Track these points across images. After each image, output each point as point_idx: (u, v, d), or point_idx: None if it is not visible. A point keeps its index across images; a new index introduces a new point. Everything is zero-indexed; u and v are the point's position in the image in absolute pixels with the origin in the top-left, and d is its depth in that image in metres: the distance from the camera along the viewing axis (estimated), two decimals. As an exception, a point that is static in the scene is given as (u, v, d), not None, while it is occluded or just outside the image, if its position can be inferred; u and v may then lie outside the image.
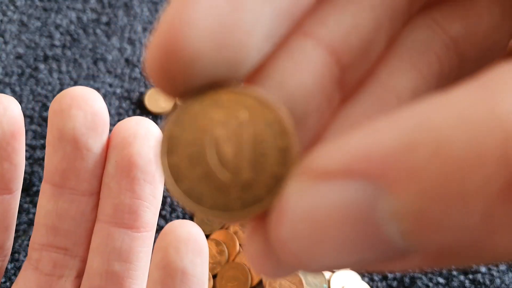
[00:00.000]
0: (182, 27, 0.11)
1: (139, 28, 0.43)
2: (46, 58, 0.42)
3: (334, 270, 0.30)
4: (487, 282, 0.32)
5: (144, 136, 0.23)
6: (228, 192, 0.12)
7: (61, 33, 0.43)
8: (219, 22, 0.11)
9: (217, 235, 0.33)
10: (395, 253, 0.10)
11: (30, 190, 0.35)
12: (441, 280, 0.32)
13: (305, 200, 0.10)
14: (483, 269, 0.32)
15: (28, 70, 0.41)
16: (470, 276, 0.32)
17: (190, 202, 0.13)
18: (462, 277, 0.32)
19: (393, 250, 0.10)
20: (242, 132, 0.13)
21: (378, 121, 0.10)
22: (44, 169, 0.23)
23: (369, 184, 0.10)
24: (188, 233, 0.21)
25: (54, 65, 0.41)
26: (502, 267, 0.32)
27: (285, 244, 0.11)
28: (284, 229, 0.11)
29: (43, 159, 0.36)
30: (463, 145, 0.08)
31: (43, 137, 0.38)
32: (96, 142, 0.23)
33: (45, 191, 0.24)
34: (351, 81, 0.15)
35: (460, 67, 0.15)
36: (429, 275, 0.32)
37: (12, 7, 0.44)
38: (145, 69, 0.12)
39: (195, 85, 0.12)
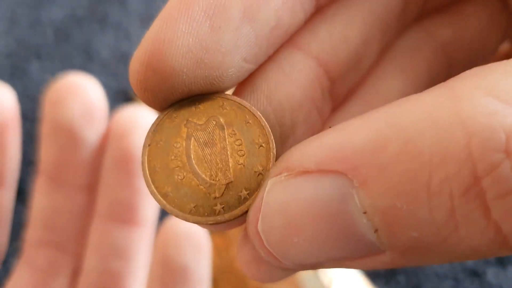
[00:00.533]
0: (163, 44, 0.12)
1: (134, 23, 0.43)
2: (38, 55, 0.41)
3: (321, 270, 0.30)
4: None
5: (143, 127, 0.23)
6: (209, 196, 0.13)
7: (54, 29, 0.43)
8: (198, 41, 0.12)
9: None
10: (368, 249, 0.10)
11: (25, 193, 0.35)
12: None
13: (280, 195, 0.11)
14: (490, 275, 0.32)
15: (20, 67, 0.41)
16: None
17: (173, 209, 0.13)
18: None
19: (366, 246, 0.10)
20: (220, 135, 0.13)
21: (351, 120, 0.10)
22: (39, 162, 0.23)
23: (342, 180, 0.10)
24: (189, 229, 0.21)
25: (47, 62, 0.41)
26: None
27: (260, 236, 0.11)
28: (260, 221, 0.11)
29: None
30: (429, 144, 0.09)
31: (35, 135, 0.37)
32: (92, 133, 0.22)
33: (40, 185, 0.23)
34: (342, 90, 0.15)
35: (449, 71, 0.16)
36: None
37: (2, 3, 0.44)
38: (130, 79, 0.13)
39: (175, 98, 0.13)
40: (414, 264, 0.11)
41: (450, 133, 0.09)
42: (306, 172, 0.10)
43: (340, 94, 0.15)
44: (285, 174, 0.11)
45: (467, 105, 0.09)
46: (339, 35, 0.14)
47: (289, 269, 0.13)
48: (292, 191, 0.11)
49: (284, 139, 0.14)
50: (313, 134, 0.14)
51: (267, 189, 0.11)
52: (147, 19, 0.43)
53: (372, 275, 0.32)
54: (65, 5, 0.44)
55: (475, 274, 0.32)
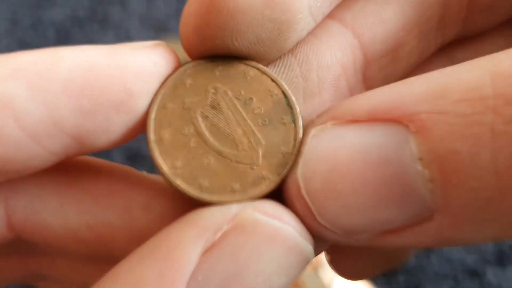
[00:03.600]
0: None
1: (135, 24, 0.43)
2: None
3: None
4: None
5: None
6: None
7: (55, 30, 0.43)
8: None
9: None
10: (417, 210, 0.10)
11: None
12: None
13: (326, 141, 0.10)
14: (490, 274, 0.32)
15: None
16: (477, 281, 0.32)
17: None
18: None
19: (416, 205, 0.10)
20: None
21: (407, 79, 0.10)
22: None
23: (396, 127, 0.09)
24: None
25: None
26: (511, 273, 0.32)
27: (300, 185, 0.10)
28: (300, 169, 0.10)
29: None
30: (491, 89, 0.09)
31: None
32: None
33: None
34: (376, 77, 0.14)
35: None
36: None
37: (3, 4, 0.44)
38: (182, 24, 0.11)
39: (236, 46, 0.11)
40: (461, 238, 0.10)
41: (511, 78, 0.09)
42: (355, 121, 0.10)
43: (373, 80, 0.14)
44: (332, 122, 0.10)
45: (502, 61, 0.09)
46: (373, 12, 0.14)
47: (321, 236, 0.11)
48: (340, 139, 0.10)
49: (309, 96, 0.13)
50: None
51: (311, 135, 0.10)
52: (147, 19, 0.43)
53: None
54: (67, 5, 0.44)
55: (474, 274, 0.32)
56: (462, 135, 0.09)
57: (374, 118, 0.10)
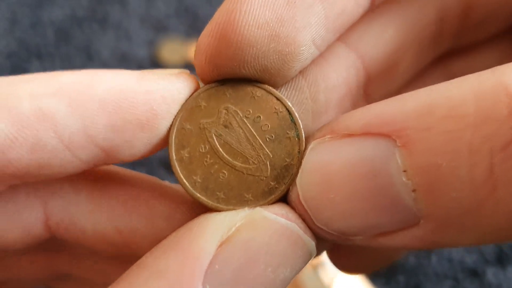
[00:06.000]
0: (240, 14, 0.12)
1: (135, 24, 0.43)
2: (39, 55, 0.41)
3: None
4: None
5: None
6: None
7: (54, 30, 0.43)
8: (275, 14, 0.12)
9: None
10: (403, 217, 0.11)
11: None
12: None
13: (323, 154, 0.11)
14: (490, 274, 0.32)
15: (20, 67, 0.40)
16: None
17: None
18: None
19: (402, 212, 0.10)
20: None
21: (400, 95, 0.11)
22: None
23: (385, 141, 0.10)
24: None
25: (47, 62, 0.41)
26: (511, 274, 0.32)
27: (299, 192, 0.12)
28: (299, 179, 0.12)
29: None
30: (473, 107, 0.09)
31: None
32: None
33: None
34: (376, 92, 0.16)
35: None
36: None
37: (3, 3, 0.44)
38: (196, 54, 0.13)
39: (243, 73, 0.13)
40: (447, 242, 0.11)
41: (493, 97, 0.09)
42: (350, 135, 0.11)
43: (374, 94, 0.15)
44: (329, 136, 0.11)
45: (509, 77, 0.10)
46: (376, 34, 0.15)
47: (320, 236, 0.13)
48: (334, 151, 0.11)
49: (317, 115, 0.14)
50: None
51: (310, 147, 0.12)
52: (147, 19, 0.43)
53: (372, 275, 0.32)
54: (67, 5, 0.44)
55: (474, 274, 0.32)
56: (443, 150, 0.10)
57: (366, 133, 0.11)
